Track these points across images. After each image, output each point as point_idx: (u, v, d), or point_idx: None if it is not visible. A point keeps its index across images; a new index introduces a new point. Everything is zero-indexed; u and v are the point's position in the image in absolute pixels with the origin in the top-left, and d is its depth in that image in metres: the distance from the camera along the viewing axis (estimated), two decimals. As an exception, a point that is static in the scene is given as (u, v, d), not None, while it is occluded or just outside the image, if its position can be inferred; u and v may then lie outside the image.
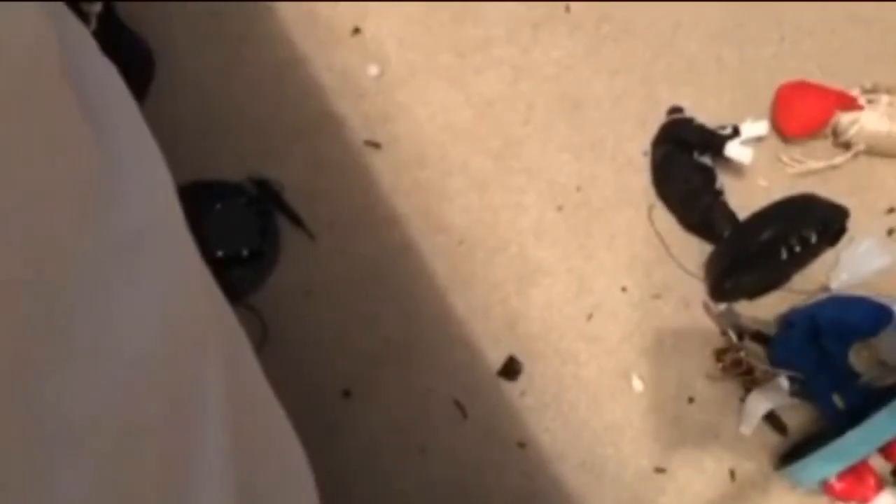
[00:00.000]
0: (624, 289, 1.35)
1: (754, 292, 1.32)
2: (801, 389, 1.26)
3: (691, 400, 1.30)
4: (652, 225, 1.37)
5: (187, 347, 0.52)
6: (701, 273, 1.35)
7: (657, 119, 1.43)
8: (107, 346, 0.43)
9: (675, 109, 1.41)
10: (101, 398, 0.42)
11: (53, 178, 0.43)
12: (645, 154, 1.42)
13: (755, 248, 1.22)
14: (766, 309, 1.34)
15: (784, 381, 1.25)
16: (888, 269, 1.32)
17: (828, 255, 1.33)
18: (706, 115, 1.42)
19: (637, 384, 1.30)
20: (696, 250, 1.37)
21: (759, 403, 1.27)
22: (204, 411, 0.57)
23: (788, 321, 1.30)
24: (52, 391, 0.39)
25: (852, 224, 1.36)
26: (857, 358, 1.25)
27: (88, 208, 0.46)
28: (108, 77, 0.62)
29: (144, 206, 0.52)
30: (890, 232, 1.40)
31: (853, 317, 1.27)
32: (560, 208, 1.39)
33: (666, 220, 1.39)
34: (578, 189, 1.40)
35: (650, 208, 1.39)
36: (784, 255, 1.22)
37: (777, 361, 1.29)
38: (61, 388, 0.39)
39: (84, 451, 0.42)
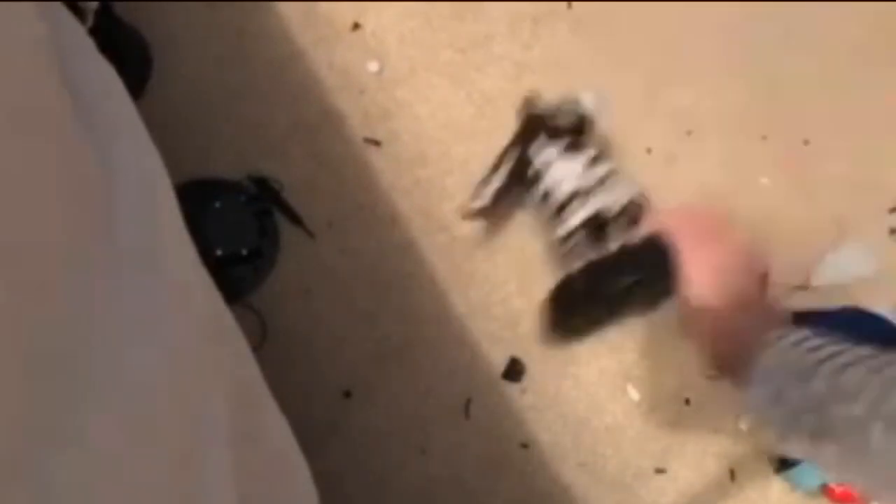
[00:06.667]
0: (626, 288, 1.34)
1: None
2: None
3: (690, 401, 1.30)
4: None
5: (189, 363, 0.51)
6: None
7: (660, 116, 1.42)
8: (110, 373, 0.42)
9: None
10: (107, 422, 0.41)
11: (50, 188, 0.42)
12: (648, 151, 1.41)
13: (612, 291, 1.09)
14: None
15: None
16: (870, 276, 1.32)
17: (815, 252, 1.33)
18: (707, 113, 1.41)
19: (637, 386, 1.30)
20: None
21: (757, 399, 1.27)
22: (207, 416, 0.56)
23: (798, 320, 1.29)
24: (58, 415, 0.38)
25: (853, 223, 1.36)
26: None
27: (85, 219, 0.45)
28: (105, 78, 0.61)
29: (141, 214, 0.51)
30: (892, 231, 1.39)
31: (859, 333, 1.26)
32: (561, 207, 1.38)
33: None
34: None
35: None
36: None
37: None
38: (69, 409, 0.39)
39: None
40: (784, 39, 1.46)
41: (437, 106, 1.43)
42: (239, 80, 1.42)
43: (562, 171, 1.05)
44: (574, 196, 1.04)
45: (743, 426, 1.28)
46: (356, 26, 1.46)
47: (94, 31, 0.73)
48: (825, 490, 1.20)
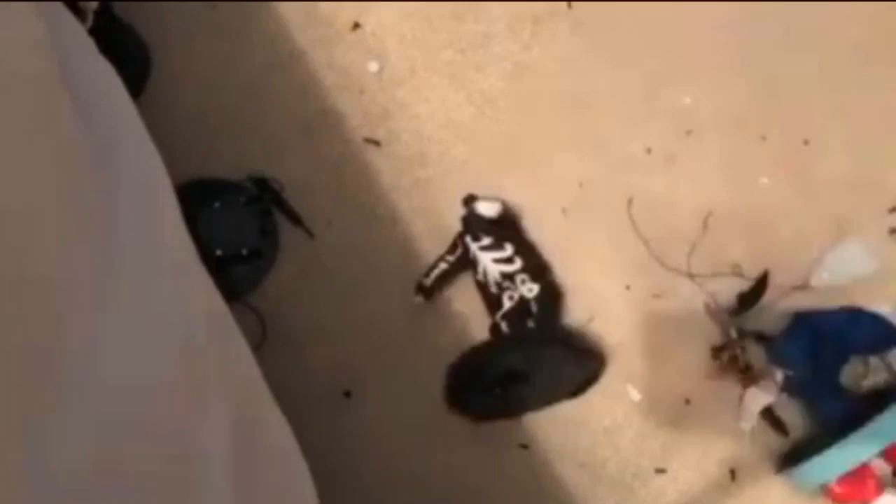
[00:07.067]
0: (628, 287, 1.34)
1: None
2: (794, 388, 1.26)
3: (690, 401, 1.30)
4: (635, 228, 1.36)
5: (189, 362, 0.51)
6: (696, 273, 1.34)
7: (660, 116, 1.42)
8: (109, 372, 0.42)
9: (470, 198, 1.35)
10: (101, 428, 0.41)
11: (50, 187, 0.42)
12: (648, 151, 1.41)
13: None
14: (769, 312, 1.33)
15: (778, 377, 1.26)
16: (870, 276, 1.31)
17: (815, 252, 1.33)
18: (706, 113, 1.42)
19: (637, 386, 1.30)
20: (694, 252, 1.36)
21: (758, 399, 1.27)
22: (208, 415, 0.56)
23: (798, 320, 1.30)
24: (46, 429, 0.38)
25: (853, 223, 1.36)
26: (849, 372, 1.25)
27: (85, 219, 0.45)
28: (105, 78, 0.61)
29: (141, 213, 0.51)
30: (892, 231, 1.39)
31: (858, 332, 1.27)
32: (561, 206, 1.38)
33: (662, 220, 1.38)
34: (580, 187, 1.39)
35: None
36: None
37: (775, 358, 1.29)
38: (56, 425, 0.39)
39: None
40: (784, 39, 1.46)
41: (437, 106, 1.43)
42: (239, 80, 1.42)
43: (488, 260, 1.30)
44: (503, 281, 1.29)
45: (743, 425, 1.28)
46: (356, 26, 1.46)
47: (94, 31, 0.73)
48: (826, 490, 1.20)
